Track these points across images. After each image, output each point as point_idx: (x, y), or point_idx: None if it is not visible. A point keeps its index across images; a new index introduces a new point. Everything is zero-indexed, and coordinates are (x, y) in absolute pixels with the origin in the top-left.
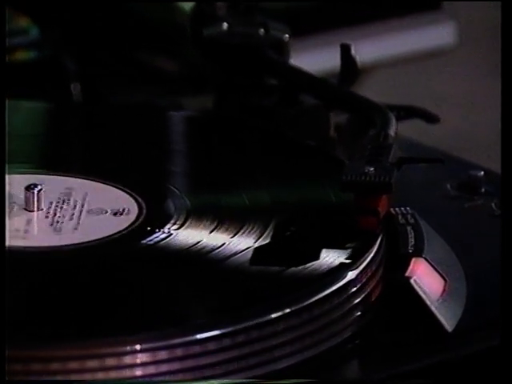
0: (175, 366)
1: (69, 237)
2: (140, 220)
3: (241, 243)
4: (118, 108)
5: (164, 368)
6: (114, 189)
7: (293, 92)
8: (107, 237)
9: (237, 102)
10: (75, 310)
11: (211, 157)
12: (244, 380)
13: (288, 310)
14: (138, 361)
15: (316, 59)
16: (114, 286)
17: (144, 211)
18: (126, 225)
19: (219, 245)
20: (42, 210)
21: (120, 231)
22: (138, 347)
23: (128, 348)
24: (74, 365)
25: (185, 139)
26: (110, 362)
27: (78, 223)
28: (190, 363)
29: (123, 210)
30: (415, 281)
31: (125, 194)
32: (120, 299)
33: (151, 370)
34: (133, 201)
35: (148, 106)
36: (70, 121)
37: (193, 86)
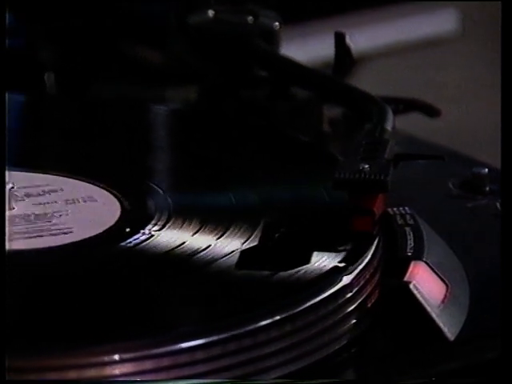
0: (160, 376)
1: (43, 239)
2: (119, 221)
3: (227, 245)
4: (96, 100)
5: (148, 377)
6: (92, 186)
7: (284, 84)
8: (85, 239)
9: (224, 96)
10: (52, 319)
11: (196, 153)
12: None
13: (278, 318)
14: (118, 371)
15: (308, 49)
16: (90, 293)
17: (123, 211)
18: (104, 226)
19: (204, 247)
20: (13, 209)
21: (97, 233)
22: (116, 357)
23: (106, 358)
24: (53, 375)
25: (168, 134)
26: (90, 372)
27: (52, 224)
28: (175, 373)
29: (102, 210)
30: (414, 286)
31: (103, 192)
32: (96, 306)
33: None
34: (112, 199)
35: (129, 98)
36: (44, 114)
37: (177, 77)
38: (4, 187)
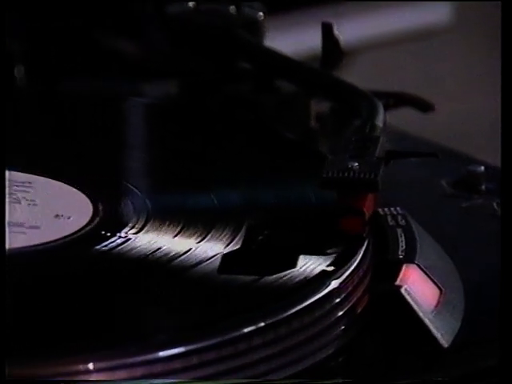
0: None
1: (9, 240)
2: (94, 223)
3: (208, 249)
4: (69, 95)
5: None
6: (65, 186)
7: (268, 78)
8: (55, 241)
9: (206, 90)
10: (20, 328)
11: (175, 151)
12: None
13: (262, 325)
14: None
15: (294, 40)
16: (61, 299)
17: (98, 213)
18: (77, 228)
19: (184, 251)
20: None
21: (70, 235)
22: (91, 366)
23: (81, 367)
24: None
25: (146, 131)
26: None
27: (20, 225)
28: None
29: (74, 211)
30: (406, 290)
31: (77, 193)
32: (69, 313)
33: None
34: (86, 200)
35: (104, 92)
36: (13, 108)
37: (156, 70)
38: (4, 187)
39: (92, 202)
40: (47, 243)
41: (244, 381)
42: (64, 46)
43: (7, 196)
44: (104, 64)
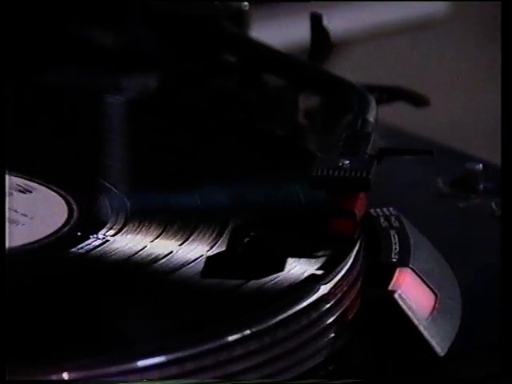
0: None
1: None
2: (70, 224)
3: (191, 251)
4: (43, 89)
5: None
6: (38, 186)
7: (255, 71)
8: (29, 244)
9: (189, 84)
10: None
11: (156, 148)
12: None
13: (248, 332)
14: None
15: (282, 31)
16: (35, 305)
17: (74, 213)
18: (52, 229)
19: (165, 254)
20: None
21: (45, 237)
22: (65, 376)
23: (53, 377)
24: None
25: (124, 127)
26: None
27: None
28: None
29: (49, 211)
30: (400, 295)
31: (52, 192)
32: (42, 320)
33: None
34: (61, 200)
35: (80, 86)
36: None
37: (136, 64)
38: (4, 187)
39: (68, 201)
40: (21, 246)
41: None
42: (39, 39)
43: None
44: (81, 57)
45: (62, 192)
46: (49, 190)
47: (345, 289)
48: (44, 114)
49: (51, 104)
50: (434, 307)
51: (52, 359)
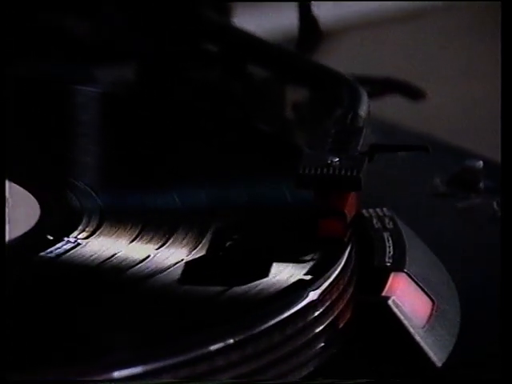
0: None
1: None
2: (38, 226)
3: (170, 256)
4: (12, 80)
5: None
6: (6, 183)
7: (238, 62)
8: None
9: (169, 76)
10: None
11: (132, 145)
12: None
13: (231, 342)
14: None
15: (267, 20)
16: (4, 311)
17: (44, 215)
18: (20, 232)
19: (142, 258)
20: None
21: (13, 240)
22: None
23: None
24: None
25: (98, 122)
26: None
27: None
28: None
29: (16, 212)
30: (395, 302)
31: (19, 191)
32: (11, 329)
33: None
34: (30, 200)
35: (51, 78)
36: None
37: (110, 54)
38: (4, 187)
39: (37, 202)
40: None
41: None
42: (11, 29)
43: None
44: (51, 47)
45: (30, 191)
46: (18, 188)
47: (335, 295)
48: (13, 108)
49: (21, 97)
50: (430, 314)
51: (18, 370)
